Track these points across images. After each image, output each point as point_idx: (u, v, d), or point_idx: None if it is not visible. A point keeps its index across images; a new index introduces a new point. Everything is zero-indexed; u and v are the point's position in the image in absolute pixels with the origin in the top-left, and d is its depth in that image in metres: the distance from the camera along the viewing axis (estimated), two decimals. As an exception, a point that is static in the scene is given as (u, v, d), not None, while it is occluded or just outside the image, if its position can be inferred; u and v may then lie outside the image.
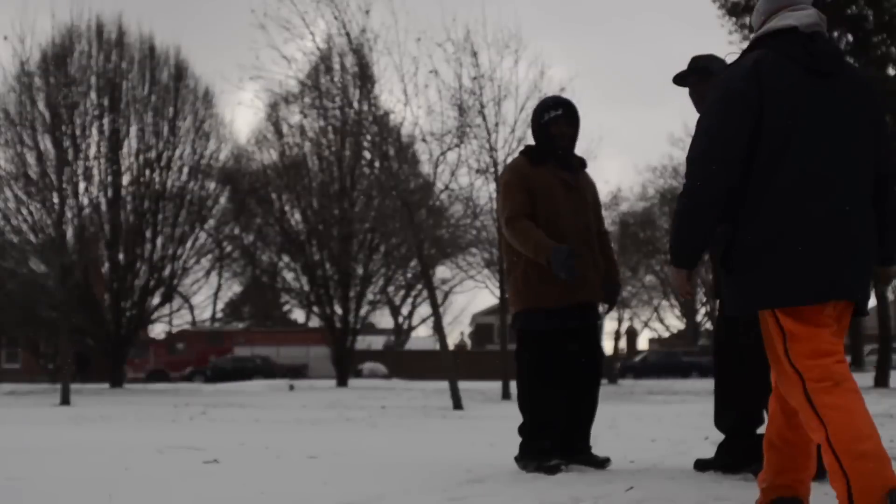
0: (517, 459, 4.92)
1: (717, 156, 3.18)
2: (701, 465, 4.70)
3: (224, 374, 36.06)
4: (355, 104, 19.04)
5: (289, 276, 34.01)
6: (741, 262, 3.20)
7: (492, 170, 19.32)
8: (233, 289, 48.76)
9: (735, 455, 4.57)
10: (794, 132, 3.15)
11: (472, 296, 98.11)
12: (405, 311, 52.16)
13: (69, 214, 23.01)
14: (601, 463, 4.87)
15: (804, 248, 3.10)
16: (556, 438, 4.82)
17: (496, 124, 19.36)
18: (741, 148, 3.16)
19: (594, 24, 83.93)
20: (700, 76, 4.61)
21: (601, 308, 5.19)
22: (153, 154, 28.71)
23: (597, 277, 4.97)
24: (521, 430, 4.96)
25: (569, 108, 5.03)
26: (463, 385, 18.10)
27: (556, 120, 4.98)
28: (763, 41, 3.33)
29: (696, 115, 4.60)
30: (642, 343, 51.52)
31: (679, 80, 4.71)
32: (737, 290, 3.25)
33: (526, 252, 4.78)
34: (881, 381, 22.53)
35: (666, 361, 40.66)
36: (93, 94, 27.60)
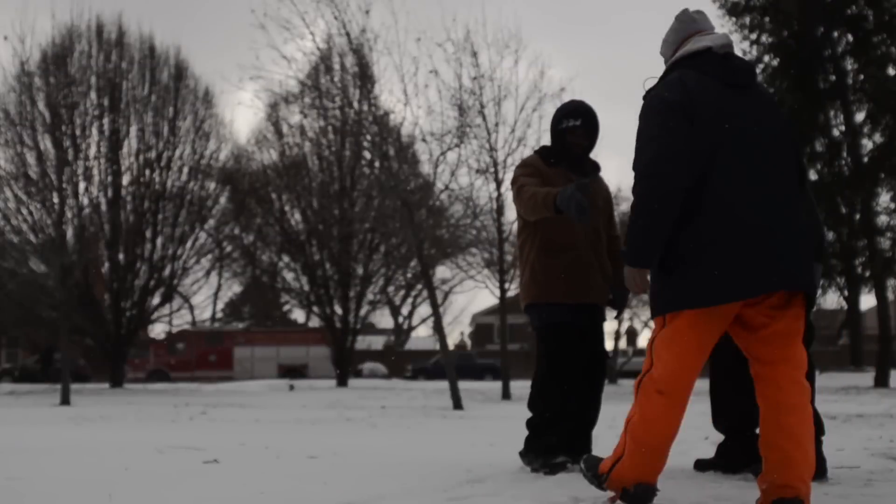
0: (522, 455, 4.91)
1: (670, 157, 3.38)
2: (701, 465, 4.70)
3: (32, 376, 35.84)
4: (355, 104, 19.03)
5: (289, 276, 34.00)
6: (669, 264, 3.42)
7: (492, 170, 19.32)
8: (233, 289, 48.80)
9: (735, 455, 4.57)
10: (721, 140, 3.40)
11: (472, 296, 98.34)
12: (405, 311, 52.22)
13: (69, 214, 22.99)
14: None
15: (714, 253, 3.31)
16: (562, 435, 4.81)
17: (496, 124, 19.36)
18: (685, 151, 3.38)
19: (593, 25, 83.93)
20: None
21: (609, 312, 5.18)
22: (153, 154, 28.68)
23: (604, 281, 4.97)
24: (529, 424, 4.95)
25: (588, 120, 5.00)
26: (463, 385, 18.10)
27: (574, 130, 4.97)
28: (680, 64, 3.64)
29: None
30: (642, 343, 51.54)
31: None
32: (655, 290, 3.50)
33: (540, 213, 4.69)
34: (881, 381, 22.52)
35: (459, 364, 39.13)
36: (93, 94, 27.55)
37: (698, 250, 3.34)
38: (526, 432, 4.98)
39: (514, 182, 4.99)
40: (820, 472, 4.22)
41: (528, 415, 4.99)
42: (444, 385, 21.30)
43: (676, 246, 3.39)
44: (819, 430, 4.28)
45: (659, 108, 3.48)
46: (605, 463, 3.55)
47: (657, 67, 3.86)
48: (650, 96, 3.59)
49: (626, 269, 3.57)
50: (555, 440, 4.78)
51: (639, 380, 3.51)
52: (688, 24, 3.75)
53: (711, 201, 3.35)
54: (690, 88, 3.47)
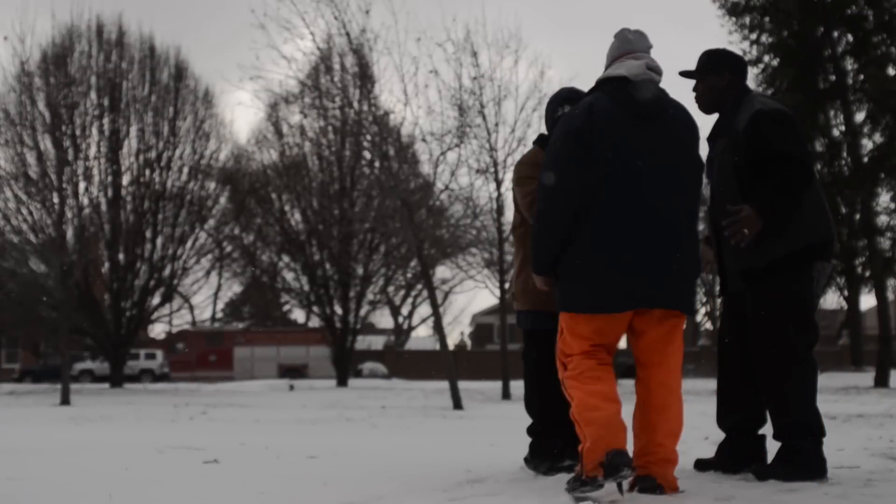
0: (527, 461, 4.87)
1: (560, 185, 3.83)
2: (701, 465, 4.69)
3: None
4: (355, 104, 19.02)
5: (289, 276, 34.00)
6: (562, 272, 3.89)
7: (492, 170, 19.31)
8: (233, 289, 48.83)
9: (735, 455, 4.57)
10: (613, 169, 3.75)
11: (472, 296, 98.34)
12: (405, 311, 52.21)
13: (69, 214, 22.99)
14: None
15: (595, 268, 3.75)
16: (566, 438, 4.79)
17: (496, 124, 19.37)
18: (577, 178, 3.79)
19: (592, 25, 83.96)
20: (703, 72, 4.60)
21: None
22: (153, 154, 28.68)
23: None
24: (531, 430, 4.92)
25: None
26: (463, 385, 18.09)
27: None
28: (600, 86, 3.97)
29: (700, 111, 4.67)
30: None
31: (686, 73, 4.70)
32: (556, 293, 3.95)
33: None
34: (881, 381, 22.51)
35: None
36: (93, 94, 27.56)
37: (583, 266, 3.78)
38: (527, 438, 4.95)
39: (521, 183, 4.87)
40: (820, 473, 4.22)
41: (528, 417, 4.97)
42: (444, 385, 21.30)
43: (569, 259, 3.83)
44: (819, 431, 4.28)
45: (565, 132, 3.88)
46: (578, 466, 3.82)
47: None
48: (565, 115, 4.00)
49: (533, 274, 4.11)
50: (559, 443, 4.76)
51: (562, 382, 3.92)
52: (623, 44, 4.01)
53: (597, 224, 3.75)
54: (595, 116, 3.80)
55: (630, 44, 3.99)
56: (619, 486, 3.67)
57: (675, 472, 4.30)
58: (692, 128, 3.98)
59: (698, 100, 4.62)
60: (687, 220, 3.88)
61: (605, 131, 3.78)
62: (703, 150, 4.18)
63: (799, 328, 4.31)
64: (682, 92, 4.77)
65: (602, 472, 3.62)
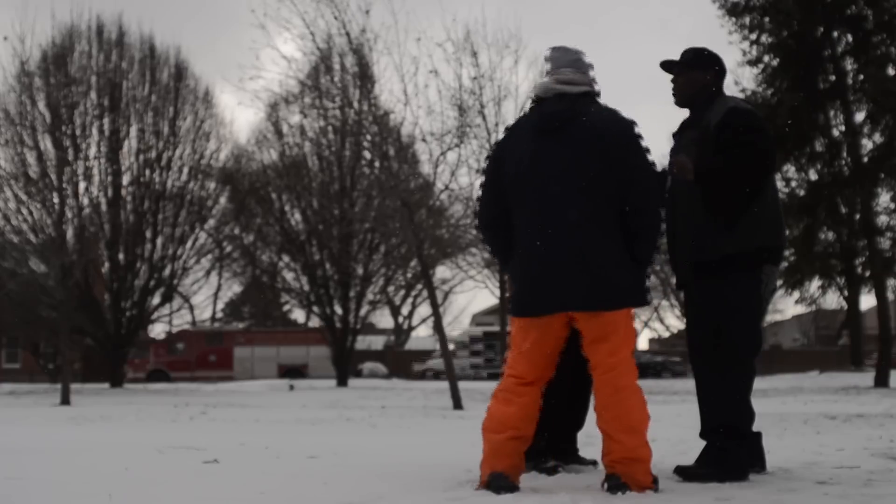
0: None
1: (481, 198, 4.26)
2: (701, 466, 4.69)
3: None
4: (355, 104, 19.01)
5: (289, 276, 34.01)
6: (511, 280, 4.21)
7: (492, 170, 19.28)
8: (233, 289, 48.84)
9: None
10: (518, 179, 4.02)
11: (472, 296, 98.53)
12: (405, 311, 52.23)
13: (69, 214, 22.95)
14: (589, 465, 4.86)
15: (517, 277, 4.04)
16: (550, 439, 4.79)
17: (496, 124, 19.37)
18: (489, 193, 4.18)
19: (589, 24, 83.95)
20: (688, 65, 4.62)
21: None
22: (153, 154, 28.66)
23: None
24: None
25: None
26: (463, 385, 18.08)
27: None
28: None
29: (675, 104, 4.78)
30: (642, 343, 51.52)
31: (666, 67, 4.73)
32: None
33: None
34: (881, 381, 22.50)
35: None
36: (93, 94, 27.54)
37: (513, 272, 4.09)
38: None
39: None
40: (744, 475, 4.29)
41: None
42: (444, 385, 21.30)
43: (511, 266, 4.13)
44: (745, 435, 4.33)
45: (489, 154, 4.30)
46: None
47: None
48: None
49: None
50: (542, 444, 4.75)
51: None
52: (549, 62, 4.26)
53: (515, 233, 4.05)
54: (510, 134, 4.17)
55: (553, 62, 4.22)
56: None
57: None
58: (604, 131, 3.95)
59: (677, 92, 4.65)
60: (597, 221, 3.91)
61: (513, 149, 4.09)
62: (629, 151, 4.12)
63: (742, 329, 4.33)
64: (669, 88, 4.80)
65: (485, 488, 3.96)
